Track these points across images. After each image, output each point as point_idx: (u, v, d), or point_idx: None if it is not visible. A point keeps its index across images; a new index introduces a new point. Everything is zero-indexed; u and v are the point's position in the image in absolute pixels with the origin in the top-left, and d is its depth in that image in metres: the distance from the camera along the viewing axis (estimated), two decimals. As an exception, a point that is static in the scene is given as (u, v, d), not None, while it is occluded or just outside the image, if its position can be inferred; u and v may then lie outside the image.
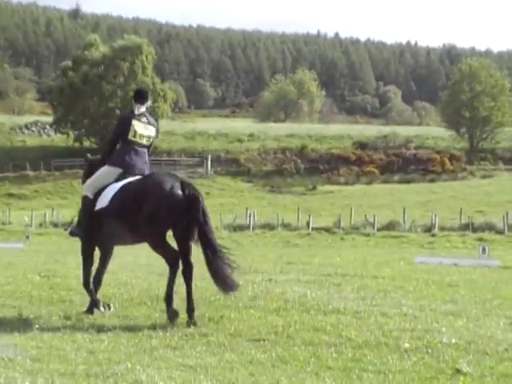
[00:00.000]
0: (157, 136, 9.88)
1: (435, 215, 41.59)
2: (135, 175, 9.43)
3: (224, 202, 69.82)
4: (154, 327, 8.71)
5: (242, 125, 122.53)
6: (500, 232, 39.18)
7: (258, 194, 77.49)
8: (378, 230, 40.82)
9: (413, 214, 45.23)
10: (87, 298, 10.30)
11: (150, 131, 9.67)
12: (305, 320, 9.25)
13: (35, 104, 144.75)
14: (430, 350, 7.72)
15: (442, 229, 40.43)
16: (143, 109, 9.77)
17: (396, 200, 61.42)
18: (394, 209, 50.66)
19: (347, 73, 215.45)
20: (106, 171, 9.51)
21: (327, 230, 41.30)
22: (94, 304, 9.70)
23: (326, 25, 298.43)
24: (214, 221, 44.68)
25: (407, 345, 7.94)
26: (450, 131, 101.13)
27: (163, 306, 9.99)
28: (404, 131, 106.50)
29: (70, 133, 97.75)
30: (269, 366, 7.04)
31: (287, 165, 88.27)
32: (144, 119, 9.67)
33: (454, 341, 8.13)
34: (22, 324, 8.86)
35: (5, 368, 6.78)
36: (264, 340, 8.14)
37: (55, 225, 47.59)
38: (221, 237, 39.71)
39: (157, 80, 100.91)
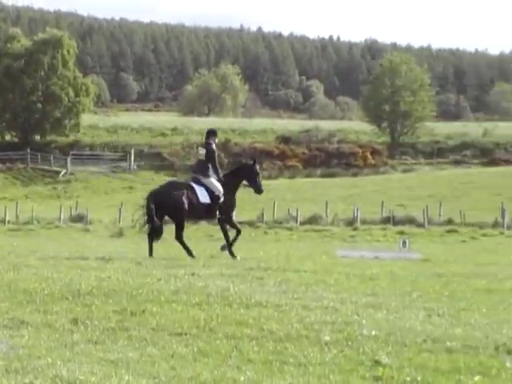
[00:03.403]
0: (211, 152, 17.72)
1: (357, 209, 42.04)
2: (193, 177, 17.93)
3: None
4: (75, 322, 8.61)
5: (165, 119, 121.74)
6: (420, 225, 39.90)
7: (182, 189, 77.04)
8: (300, 223, 41.10)
9: (335, 207, 45.62)
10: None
11: (204, 151, 17.63)
12: (227, 314, 9.26)
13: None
14: (350, 343, 7.77)
15: (363, 222, 40.92)
16: (208, 140, 17.84)
17: (319, 194, 61.71)
18: (317, 203, 50.87)
19: (270, 67, 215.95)
20: None
21: (250, 224, 41.41)
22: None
23: (249, 19, 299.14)
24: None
25: (328, 337, 7.97)
26: (371, 126, 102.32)
27: (84, 300, 9.93)
28: (327, 126, 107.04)
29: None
30: (190, 360, 7.03)
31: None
32: (204, 145, 17.84)
33: (373, 333, 8.20)
34: None
35: None
36: (186, 334, 8.11)
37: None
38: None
39: (79, 74, 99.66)
